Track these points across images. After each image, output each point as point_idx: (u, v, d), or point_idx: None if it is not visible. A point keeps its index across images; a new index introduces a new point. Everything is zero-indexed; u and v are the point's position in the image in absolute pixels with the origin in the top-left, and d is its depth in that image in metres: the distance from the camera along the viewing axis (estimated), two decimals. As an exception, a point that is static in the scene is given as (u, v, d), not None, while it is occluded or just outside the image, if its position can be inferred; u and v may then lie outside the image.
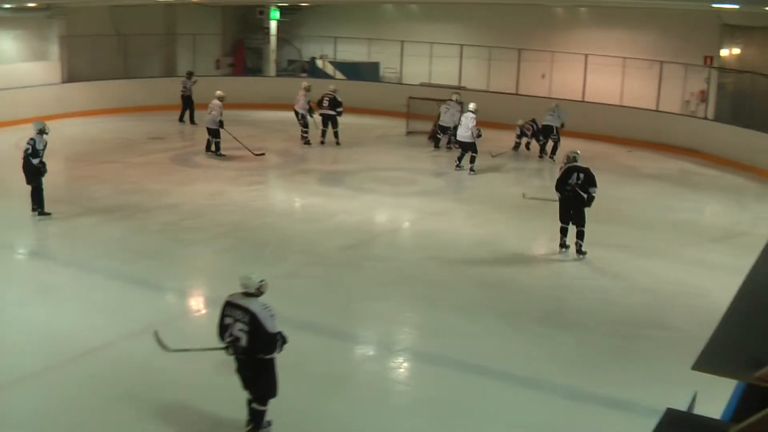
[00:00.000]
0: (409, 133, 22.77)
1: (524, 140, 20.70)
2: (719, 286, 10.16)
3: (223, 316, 6.81)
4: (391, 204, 15.92)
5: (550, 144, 19.98)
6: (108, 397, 7.72)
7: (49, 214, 13.39)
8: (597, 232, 12.60)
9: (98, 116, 23.40)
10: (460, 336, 9.53)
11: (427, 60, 26.31)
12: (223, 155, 18.70)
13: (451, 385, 8.40)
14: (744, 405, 3.75)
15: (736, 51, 23.31)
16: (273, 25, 28.43)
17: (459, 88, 23.65)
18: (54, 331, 9.16)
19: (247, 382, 6.84)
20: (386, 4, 29.35)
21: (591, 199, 12.22)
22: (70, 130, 20.13)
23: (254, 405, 6.89)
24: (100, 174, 16.97)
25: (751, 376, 3.29)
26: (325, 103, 20.29)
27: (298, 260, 12.13)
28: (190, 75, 23.46)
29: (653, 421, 3.54)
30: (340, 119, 20.44)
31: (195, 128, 22.39)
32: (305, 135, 20.67)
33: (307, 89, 20.53)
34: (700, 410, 3.95)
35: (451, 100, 20.30)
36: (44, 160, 13.17)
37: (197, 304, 10.83)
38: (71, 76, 23.96)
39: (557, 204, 12.55)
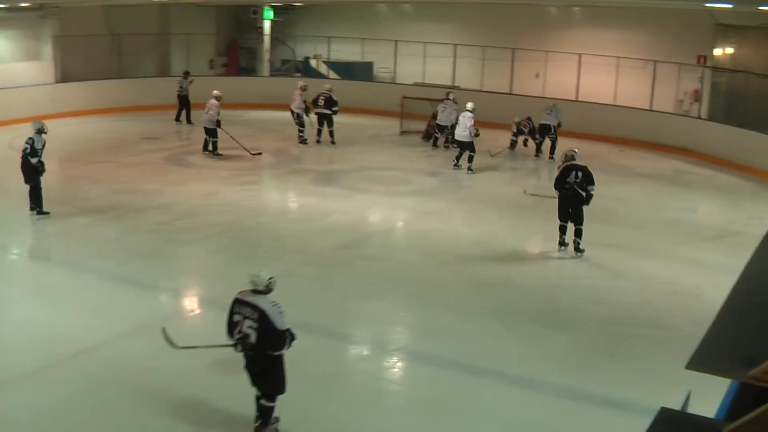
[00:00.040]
0: (402, 132, 22.76)
1: (521, 138, 20.73)
2: (713, 286, 10.17)
3: (232, 313, 6.86)
4: (385, 204, 15.91)
5: (548, 143, 20.02)
6: (105, 397, 7.71)
7: (47, 213, 13.37)
8: (591, 231, 12.60)
9: (92, 116, 23.35)
10: (454, 335, 9.53)
11: (421, 60, 26.30)
12: (221, 155, 18.68)
13: (446, 384, 8.40)
14: (738, 404, 3.75)
15: (730, 50, 23.37)
16: (267, 24, 28.40)
17: (452, 87, 23.65)
18: (48, 331, 9.13)
19: (256, 379, 6.90)
20: (380, 4, 29.35)
21: (589, 197, 12.31)
22: (64, 130, 20.06)
23: (263, 401, 6.95)
24: (93, 174, 16.93)
25: (745, 375, 3.29)
26: (321, 102, 20.34)
27: (292, 260, 12.11)
28: (186, 75, 23.41)
29: (647, 420, 3.54)
30: (335, 118, 20.48)
31: (191, 128, 22.37)
32: (302, 134, 20.68)
33: (304, 89, 20.54)
34: (694, 409, 3.96)
35: (448, 99, 20.36)
36: (42, 159, 13.17)
37: (191, 304, 10.81)
38: (65, 76, 23.91)
39: (552, 203, 12.59)
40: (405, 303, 10.67)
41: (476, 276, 11.71)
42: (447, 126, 20.01)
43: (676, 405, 4.00)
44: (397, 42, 26.73)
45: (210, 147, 18.83)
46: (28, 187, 13.31)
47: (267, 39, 28.65)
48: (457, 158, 18.29)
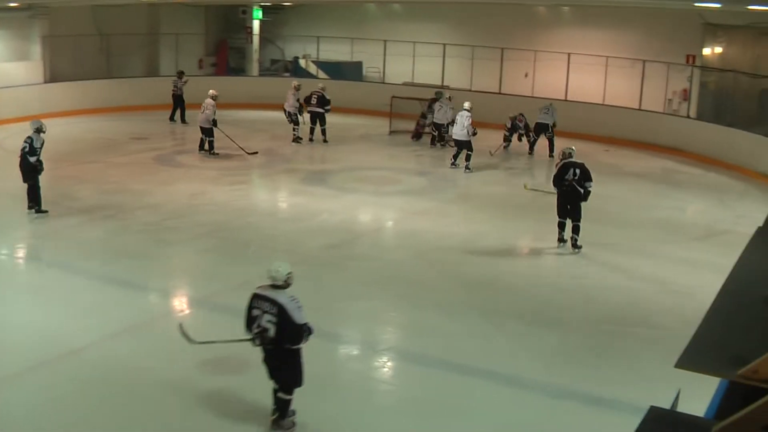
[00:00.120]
0: (392, 132, 22.75)
1: (516, 134, 20.74)
2: (702, 284, 10.22)
3: (251, 307, 6.93)
4: (375, 203, 15.90)
5: (545, 142, 20.07)
6: (96, 397, 7.70)
7: (46, 211, 13.35)
8: (581, 230, 12.60)
9: (81, 116, 23.25)
10: (443, 335, 9.53)
11: (410, 59, 26.28)
12: (217, 154, 18.66)
13: (435, 384, 8.40)
14: (727, 402, 3.75)
15: (719, 50, 23.46)
16: (256, 24, 28.34)
17: (442, 87, 23.68)
18: (38, 330, 9.08)
19: (274, 372, 6.99)
20: (369, 4, 29.35)
21: (587, 193, 12.42)
22: (53, 130, 19.75)
23: (280, 394, 7.04)
24: (82, 174, 16.86)
25: (734, 374, 3.29)
26: (314, 101, 20.41)
27: (281, 260, 12.04)
28: (181, 74, 23.37)
29: (637, 419, 3.54)
30: (327, 117, 20.54)
31: (185, 128, 22.35)
32: (295, 132, 20.69)
33: (297, 88, 20.59)
34: (683, 408, 3.96)
35: (444, 97, 20.50)
36: (41, 158, 13.13)
37: (180, 304, 10.76)
38: (53, 76, 23.79)
39: (546, 201, 12.67)
40: (394, 303, 10.66)
41: (465, 275, 11.70)
42: (443, 124, 20.14)
43: (665, 404, 4.00)
44: (386, 42, 26.74)
45: (206, 146, 18.82)
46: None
47: (256, 39, 28.60)
48: (455, 157, 18.31)
